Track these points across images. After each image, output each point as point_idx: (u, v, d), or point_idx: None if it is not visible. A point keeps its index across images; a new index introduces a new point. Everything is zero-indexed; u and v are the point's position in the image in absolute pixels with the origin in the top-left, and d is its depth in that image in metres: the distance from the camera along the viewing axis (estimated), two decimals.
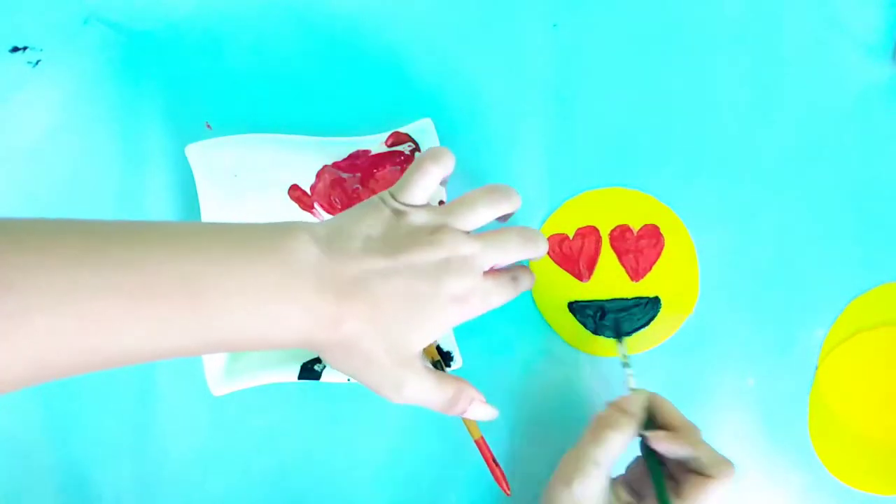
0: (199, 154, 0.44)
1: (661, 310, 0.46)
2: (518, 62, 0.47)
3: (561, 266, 0.46)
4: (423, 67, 0.47)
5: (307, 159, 0.46)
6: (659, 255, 0.46)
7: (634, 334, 0.46)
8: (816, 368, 0.47)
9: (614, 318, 0.46)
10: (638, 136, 0.47)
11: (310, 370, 0.45)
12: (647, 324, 0.46)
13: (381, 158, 0.46)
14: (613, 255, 0.46)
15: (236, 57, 0.47)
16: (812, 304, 0.47)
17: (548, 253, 0.46)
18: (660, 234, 0.46)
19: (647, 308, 0.46)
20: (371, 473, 0.47)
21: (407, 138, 0.44)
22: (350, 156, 0.45)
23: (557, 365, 0.47)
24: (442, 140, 0.44)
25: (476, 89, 0.47)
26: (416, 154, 0.45)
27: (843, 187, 0.47)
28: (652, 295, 0.46)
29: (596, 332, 0.46)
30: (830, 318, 0.47)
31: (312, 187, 0.46)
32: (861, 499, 0.47)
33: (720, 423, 0.46)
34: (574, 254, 0.46)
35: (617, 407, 0.40)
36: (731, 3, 0.47)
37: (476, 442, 0.44)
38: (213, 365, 0.44)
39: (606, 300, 0.46)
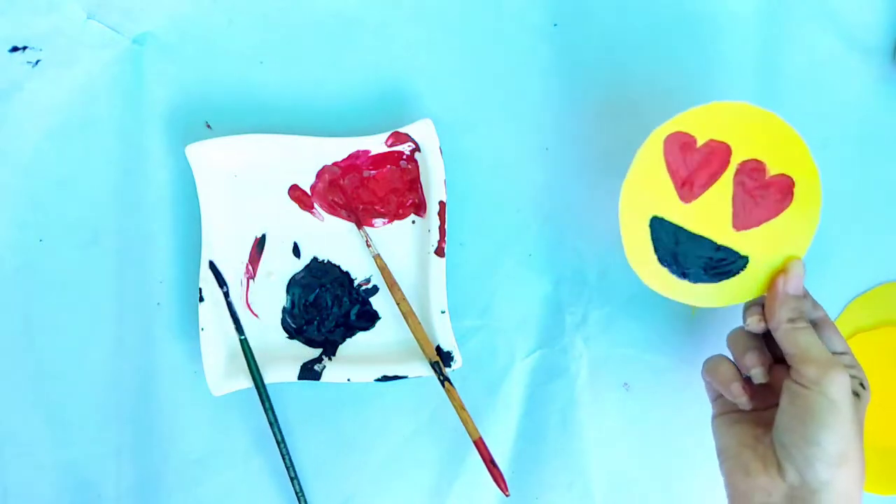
0: (199, 154, 0.44)
1: (743, 272, 0.40)
2: (518, 62, 0.47)
3: (670, 171, 0.39)
4: (423, 67, 0.47)
5: (307, 159, 0.46)
6: (778, 214, 0.39)
7: (702, 284, 0.40)
8: None
9: (689, 257, 0.40)
10: (638, 137, 0.47)
11: (310, 370, 0.45)
12: (718, 280, 0.40)
13: (381, 158, 0.46)
14: (730, 189, 0.39)
15: (236, 57, 0.47)
16: None
17: (663, 151, 0.39)
18: (792, 193, 0.39)
19: (730, 265, 0.40)
20: (371, 473, 0.47)
21: (407, 138, 0.44)
22: (350, 156, 0.45)
23: (556, 350, 0.47)
24: (442, 140, 0.44)
25: (476, 89, 0.47)
26: (417, 154, 0.45)
27: (843, 187, 0.47)
28: (743, 253, 0.39)
29: (662, 261, 0.40)
30: (830, 318, 0.47)
31: (312, 187, 0.46)
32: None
33: None
34: (693, 166, 0.39)
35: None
36: (732, 3, 0.47)
37: (475, 443, 0.44)
38: (213, 365, 0.44)
39: (694, 234, 0.39)
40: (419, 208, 0.46)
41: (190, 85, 0.47)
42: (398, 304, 0.45)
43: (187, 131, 0.46)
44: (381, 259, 0.46)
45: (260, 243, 0.46)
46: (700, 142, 0.39)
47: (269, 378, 0.45)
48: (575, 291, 0.47)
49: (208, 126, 0.47)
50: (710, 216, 0.39)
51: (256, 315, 0.46)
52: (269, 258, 0.46)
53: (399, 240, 0.46)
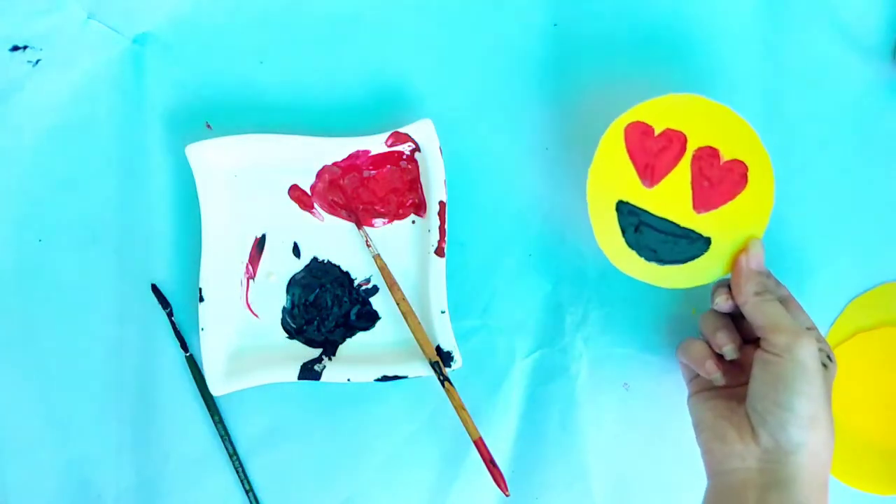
0: (199, 154, 0.44)
1: (706, 253, 0.42)
2: (518, 62, 0.47)
3: (632, 159, 0.41)
4: (423, 67, 0.47)
5: (307, 159, 0.46)
6: (734, 197, 0.41)
7: (669, 265, 0.42)
8: None
9: (654, 238, 0.42)
10: None
11: (310, 370, 0.45)
12: (683, 261, 0.42)
13: (381, 158, 0.46)
14: (689, 175, 0.41)
15: (236, 57, 0.47)
16: (812, 304, 0.47)
17: (624, 139, 0.41)
18: (746, 177, 0.41)
19: (692, 245, 0.42)
20: (371, 474, 0.47)
21: (407, 138, 0.44)
22: (350, 156, 0.45)
23: (556, 350, 0.47)
24: (442, 140, 0.44)
25: (476, 89, 0.47)
26: (417, 154, 0.45)
27: (843, 187, 0.47)
28: (705, 234, 0.41)
29: (630, 244, 0.42)
30: (830, 318, 0.47)
31: (312, 187, 0.46)
32: (861, 499, 0.47)
33: None
34: (652, 152, 0.41)
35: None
36: (732, 3, 0.47)
37: (475, 443, 0.44)
38: (213, 365, 0.44)
39: (657, 216, 0.42)
40: (419, 208, 0.46)
41: (190, 85, 0.47)
42: (398, 304, 0.45)
43: (187, 131, 0.46)
44: (381, 259, 0.46)
45: (260, 243, 0.46)
46: (658, 130, 0.41)
47: (269, 378, 0.45)
48: (575, 291, 0.47)
49: (208, 126, 0.47)
50: (671, 199, 0.41)
51: (256, 315, 0.46)
52: (269, 258, 0.46)
53: (399, 240, 0.46)
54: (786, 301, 0.41)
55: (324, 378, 0.45)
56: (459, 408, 0.44)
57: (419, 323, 0.45)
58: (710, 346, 0.42)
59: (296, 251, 0.46)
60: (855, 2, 0.47)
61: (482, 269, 0.47)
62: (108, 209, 0.47)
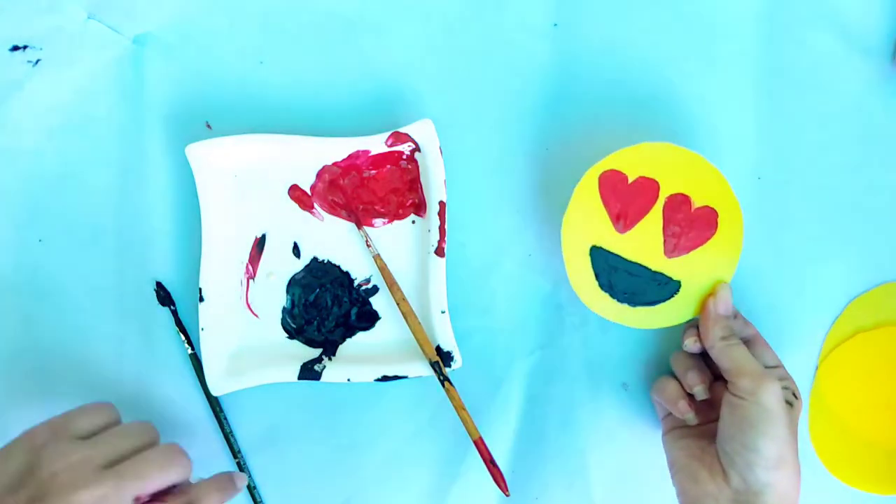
0: (199, 154, 0.44)
1: (676, 296, 0.43)
2: (518, 62, 0.47)
3: (605, 205, 0.43)
4: (423, 67, 0.47)
5: (307, 159, 0.46)
6: (704, 242, 0.43)
7: (641, 307, 0.44)
8: (816, 368, 0.47)
9: (627, 282, 0.43)
10: (638, 138, 0.47)
11: (310, 370, 0.45)
12: (654, 303, 0.43)
13: (381, 158, 0.46)
14: (660, 221, 0.43)
15: (236, 57, 0.47)
16: (812, 304, 0.47)
17: (598, 188, 0.43)
18: (716, 224, 0.43)
19: (662, 288, 0.43)
20: (371, 474, 0.47)
21: (407, 138, 0.44)
22: (350, 156, 0.45)
23: (556, 350, 0.47)
24: (442, 140, 0.44)
25: (476, 89, 0.47)
26: (417, 154, 0.45)
27: (843, 187, 0.47)
28: (675, 277, 0.43)
29: (603, 287, 0.43)
30: (830, 318, 0.47)
31: (312, 187, 0.46)
32: (861, 499, 0.47)
33: None
34: (625, 200, 0.43)
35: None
36: (732, 3, 0.47)
37: (475, 443, 0.44)
38: (213, 365, 0.44)
39: (629, 261, 0.43)
40: (419, 208, 0.46)
41: (190, 85, 0.47)
42: (398, 304, 0.45)
43: (187, 131, 0.46)
44: (381, 259, 0.46)
45: (260, 243, 0.46)
46: (631, 178, 0.43)
47: (269, 378, 0.45)
48: (575, 292, 0.47)
49: (208, 126, 0.47)
50: (643, 245, 0.43)
51: (256, 315, 0.46)
52: (269, 258, 0.46)
53: (399, 240, 0.46)
54: (752, 341, 0.43)
55: (324, 378, 0.45)
56: (459, 408, 0.44)
57: (419, 323, 0.45)
58: (682, 386, 0.43)
59: (296, 251, 0.46)
60: (855, 2, 0.47)
61: (482, 269, 0.47)
62: (108, 209, 0.47)
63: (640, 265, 0.43)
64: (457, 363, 0.45)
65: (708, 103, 0.47)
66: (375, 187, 0.46)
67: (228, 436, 0.46)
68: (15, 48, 0.47)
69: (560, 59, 0.47)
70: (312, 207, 0.46)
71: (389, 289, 0.45)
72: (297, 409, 0.47)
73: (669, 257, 0.43)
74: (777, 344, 0.46)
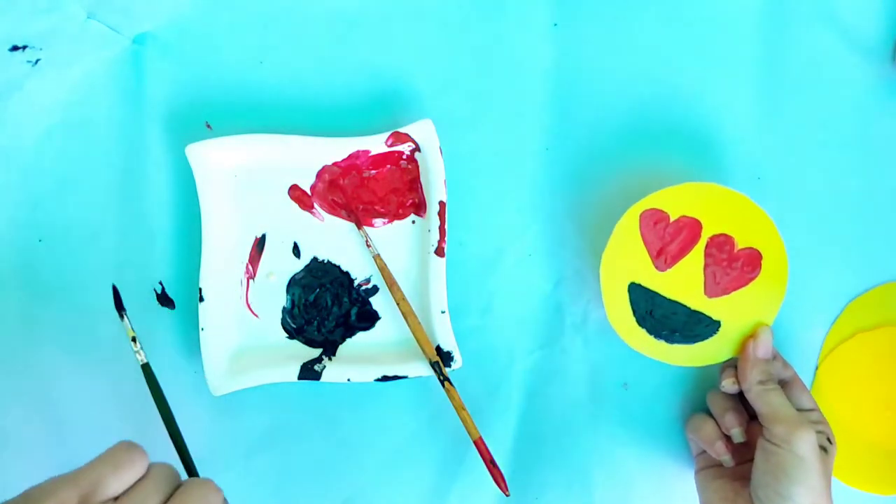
0: (199, 154, 0.44)
1: (715, 336, 0.43)
2: (518, 62, 0.47)
3: (645, 243, 0.42)
4: (423, 67, 0.47)
5: (307, 159, 0.46)
6: (747, 284, 0.43)
7: (678, 345, 0.43)
8: (816, 369, 0.47)
9: (665, 320, 0.43)
10: (637, 137, 0.47)
11: (310, 370, 0.45)
12: (693, 341, 0.43)
13: (381, 158, 0.46)
14: (702, 260, 0.42)
15: (236, 57, 0.47)
16: (812, 304, 0.47)
17: (639, 226, 0.42)
18: (759, 265, 0.42)
19: (701, 327, 0.43)
20: (371, 474, 0.47)
21: (407, 138, 0.44)
22: (350, 156, 0.45)
23: (556, 350, 0.47)
24: (442, 140, 0.44)
25: (476, 89, 0.47)
26: (417, 154, 0.45)
27: (843, 187, 0.47)
28: (715, 317, 0.43)
29: (640, 323, 0.43)
30: (830, 318, 0.47)
31: (312, 187, 0.46)
32: (861, 499, 0.47)
33: None
34: (667, 239, 0.42)
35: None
36: (732, 3, 0.47)
37: (475, 443, 0.44)
38: (214, 365, 0.44)
39: (669, 299, 0.43)
40: (419, 208, 0.46)
41: (190, 85, 0.47)
42: (398, 304, 0.45)
43: (187, 131, 0.46)
44: (381, 259, 0.46)
45: (260, 243, 0.46)
46: (673, 217, 0.42)
47: (269, 378, 0.45)
48: (575, 291, 0.47)
49: (208, 126, 0.47)
50: (683, 284, 0.43)
51: (256, 315, 0.46)
52: (269, 258, 0.46)
53: (399, 240, 0.46)
54: (790, 383, 0.42)
55: (324, 378, 0.45)
56: (459, 408, 0.44)
57: (419, 323, 0.45)
58: (719, 427, 0.43)
59: (296, 251, 0.46)
60: (855, 2, 0.47)
61: (482, 269, 0.47)
62: (108, 209, 0.47)
63: (680, 303, 0.43)
64: (457, 363, 0.45)
65: (708, 103, 0.47)
66: (375, 187, 0.46)
67: (181, 447, 0.42)
68: (15, 48, 0.47)
69: (560, 59, 0.47)
70: (312, 207, 0.46)
71: (389, 289, 0.45)
72: (297, 409, 0.47)
73: (710, 297, 0.43)
74: (777, 344, 0.46)
